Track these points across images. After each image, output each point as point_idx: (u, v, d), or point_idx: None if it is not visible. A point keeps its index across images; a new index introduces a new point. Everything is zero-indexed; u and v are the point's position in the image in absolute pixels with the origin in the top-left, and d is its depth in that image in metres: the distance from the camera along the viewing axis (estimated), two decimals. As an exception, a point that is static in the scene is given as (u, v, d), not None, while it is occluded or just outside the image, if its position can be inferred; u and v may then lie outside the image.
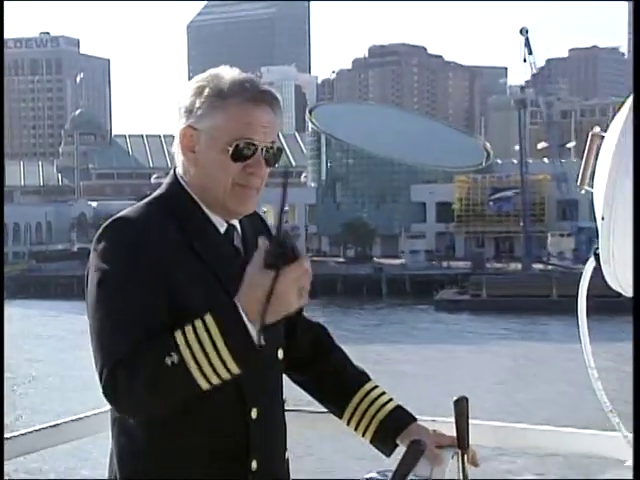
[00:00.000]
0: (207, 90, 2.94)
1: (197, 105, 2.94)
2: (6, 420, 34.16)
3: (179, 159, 3.01)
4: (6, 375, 49.17)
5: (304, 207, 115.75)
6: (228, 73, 2.98)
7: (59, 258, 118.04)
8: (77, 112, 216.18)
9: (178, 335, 2.69)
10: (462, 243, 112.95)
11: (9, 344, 63.89)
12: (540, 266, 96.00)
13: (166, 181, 3.07)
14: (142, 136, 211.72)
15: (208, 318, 2.69)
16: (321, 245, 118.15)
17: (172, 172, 3.06)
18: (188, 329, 2.69)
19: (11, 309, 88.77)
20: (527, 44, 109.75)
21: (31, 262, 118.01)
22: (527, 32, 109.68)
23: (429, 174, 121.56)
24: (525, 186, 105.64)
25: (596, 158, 2.93)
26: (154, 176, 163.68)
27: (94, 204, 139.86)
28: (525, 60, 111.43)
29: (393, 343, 59.84)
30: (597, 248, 2.90)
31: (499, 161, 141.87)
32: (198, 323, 2.69)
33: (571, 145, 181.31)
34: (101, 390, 2.73)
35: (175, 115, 3.05)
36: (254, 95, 2.93)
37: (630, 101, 2.79)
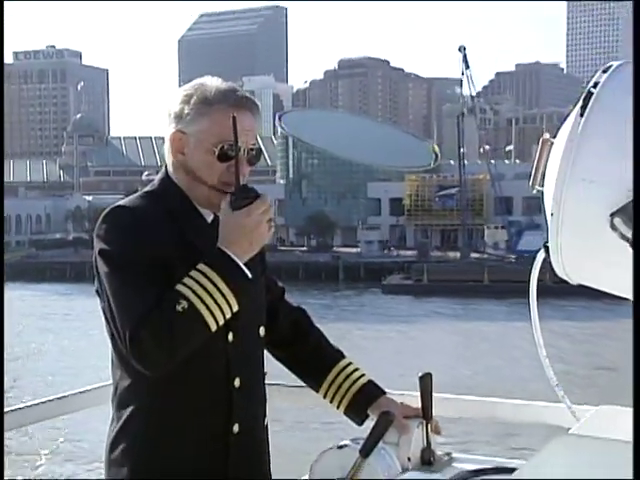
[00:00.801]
0: (194, 98, 2.94)
1: (185, 111, 2.95)
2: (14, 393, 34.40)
3: (170, 160, 3.01)
4: (15, 350, 48.83)
5: (274, 201, 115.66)
6: (212, 82, 2.99)
7: (56, 246, 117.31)
8: (78, 116, 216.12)
9: (180, 287, 2.74)
10: (412, 234, 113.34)
11: (10, 323, 64.83)
12: (477, 255, 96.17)
13: (157, 177, 3.06)
14: (135, 138, 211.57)
15: (202, 266, 2.75)
16: (288, 236, 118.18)
17: (164, 169, 3.05)
18: (187, 280, 2.75)
19: (11, 292, 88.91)
20: (465, 60, 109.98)
21: (30, 250, 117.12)
22: (465, 49, 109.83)
23: (384, 173, 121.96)
24: (465, 185, 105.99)
25: (546, 161, 2.82)
26: (145, 173, 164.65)
27: (89, 198, 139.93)
28: (463, 73, 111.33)
29: (348, 322, 59.83)
30: (547, 241, 2.80)
31: (452, 162, 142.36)
32: (195, 273, 2.75)
33: (510, 148, 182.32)
34: (126, 351, 2.76)
35: (165, 120, 3.05)
36: (236, 102, 2.94)
37: (576, 110, 2.66)
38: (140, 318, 2.73)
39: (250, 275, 2.77)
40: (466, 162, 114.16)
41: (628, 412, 2.54)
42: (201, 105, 2.91)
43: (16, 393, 37.64)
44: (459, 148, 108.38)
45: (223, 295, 2.72)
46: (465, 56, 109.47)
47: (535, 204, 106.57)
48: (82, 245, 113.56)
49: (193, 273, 2.74)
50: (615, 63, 2.73)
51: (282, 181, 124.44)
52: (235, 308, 2.74)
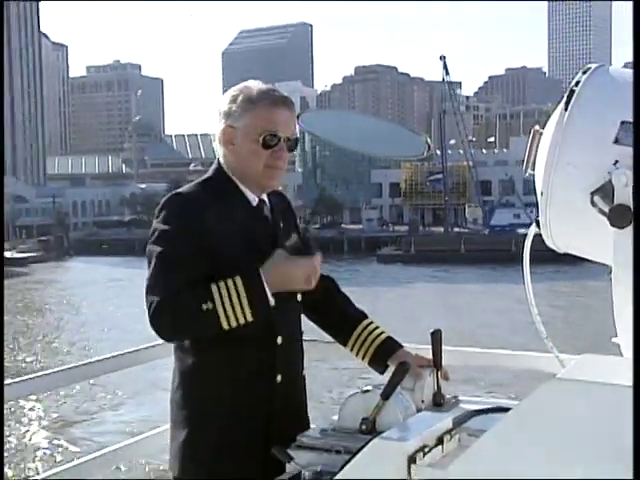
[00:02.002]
0: (240, 98, 2.95)
1: (233, 109, 2.95)
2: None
3: (221, 151, 3.02)
4: (77, 315, 50.22)
5: (293, 187, 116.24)
6: (255, 84, 3.00)
7: (113, 226, 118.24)
8: (136, 118, 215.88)
9: (214, 288, 2.73)
10: (407, 213, 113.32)
11: (75, 290, 65.38)
12: (458, 229, 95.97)
13: (212, 167, 3.05)
14: (184, 135, 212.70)
15: (238, 280, 2.74)
16: (305, 215, 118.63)
17: (216, 161, 3.06)
18: (222, 285, 2.73)
19: (76, 263, 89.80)
20: (445, 67, 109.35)
21: (93, 229, 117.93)
22: (445, 58, 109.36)
23: (384, 162, 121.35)
24: (447, 171, 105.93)
25: (536, 149, 2.89)
26: (192, 165, 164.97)
27: (143, 186, 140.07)
28: (443, 79, 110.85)
29: (349, 285, 60.01)
30: (538, 216, 2.87)
31: (450, 152, 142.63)
32: (230, 282, 2.73)
33: (491, 139, 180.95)
34: (148, 319, 2.76)
35: (215, 118, 3.04)
36: (275, 99, 2.95)
37: (561, 105, 2.76)
38: (163, 299, 2.75)
39: (273, 303, 2.78)
40: (450, 152, 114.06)
41: (607, 359, 2.58)
42: (246, 103, 2.93)
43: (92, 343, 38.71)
44: (442, 141, 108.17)
45: (242, 310, 2.73)
46: (445, 64, 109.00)
47: (508, 186, 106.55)
48: (134, 225, 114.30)
49: (229, 282, 2.74)
50: (593, 65, 2.86)
51: (300, 170, 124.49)
52: (250, 320, 2.75)
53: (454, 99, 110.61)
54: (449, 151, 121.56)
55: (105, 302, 56.01)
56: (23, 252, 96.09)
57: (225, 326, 2.72)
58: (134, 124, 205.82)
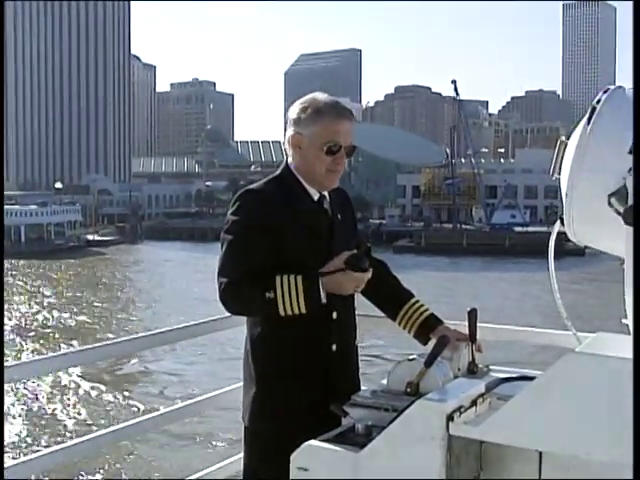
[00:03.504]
0: (309, 109, 2.87)
1: (303, 118, 2.87)
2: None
3: (290, 153, 2.95)
4: (151, 291, 50.09)
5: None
6: (321, 97, 2.91)
7: (180, 216, 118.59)
8: (208, 127, 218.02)
9: (278, 280, 2.70)
10: (427, 211, 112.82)
11: (147, 269, 66.29)
12: (465, 226, 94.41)
13: (281, 167, 2.99)
14: (247, 142, 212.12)
15: (299, 278, 2.71)
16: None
17: (284, 162, 2.99)
18: (285, 279, 2.70)
19: (147, 247, 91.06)
20: (455, 89, 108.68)
21: (163, 219, 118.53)
22: (455, 82, 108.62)
23: (409, 167, 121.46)
24: (460, 176, 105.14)
25: (562, 157, 2.82)
26: (252, 167, 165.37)
27: (209, 183, 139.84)
28: (454, 99, 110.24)
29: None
30: (562, 214, 2.80)
31: (481, 160, 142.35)
32: (292, 278, 2.70)
33: (501, 150, 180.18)
34: (218, 295, 2.77)
35: (286, 124, 2.97)
36: (339, 112, 2.88)
37: (584, 120, 2.75)
38: (229, 282, 2.75)
39: (325, 301, 2.75)
40: (463, 160, 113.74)
41: (618, 337, 2.58)
42: (314, 114, 2.86)
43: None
44: (451, 151, 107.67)
45: (298, 304, 2.71)
46: (455, 87, 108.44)
47: (510, 191, 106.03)
48: (197, 216, 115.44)
49: (291, 278, 2.71)
50: (612, 87, 2.80)
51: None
52: (303, 312, 2.73)
53: (462, 117, 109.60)
54: (462, 159, 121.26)
55: (165, 278, 57.39)
56: (104, 236, 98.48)
57: (282, 313, 2.72)
58: (206, 132, 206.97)
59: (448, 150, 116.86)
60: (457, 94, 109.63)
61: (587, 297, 36.78)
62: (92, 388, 23.71)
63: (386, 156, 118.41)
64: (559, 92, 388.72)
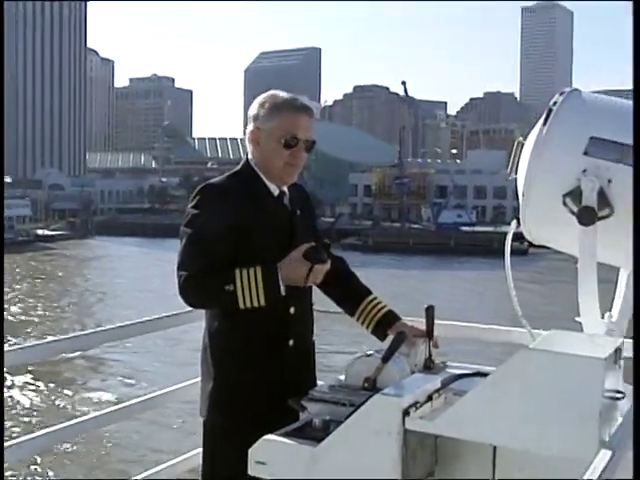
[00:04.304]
0: (267, 104, 2.88)
1: (261, 114, 2.88)
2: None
3: (250, 149, 2.94)
4: (102, 285, 49.35)
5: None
6: (280, 93, 2.92)
7: (132, 212, 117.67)
8: (165, 123, 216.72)
9: (237, 273, 2.68)
10: (377, 210, 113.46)
11: (101, 265, 65.68)
12: (414, 225, 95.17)
13: (241, 163, 2.97)
14: (205, 138, 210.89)
15: (258, 270, 2.69)
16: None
17: (245, 157, 2.97)
18: (244, 272, 2.68)
19: (97, 242, 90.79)
20: (405, 90, 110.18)
21: (115, 214, 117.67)
22: (405, 83, 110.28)
23: (361, 167, 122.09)
24: (410, 176, 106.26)
25: (519, 157, 2.84)
26: (209, 163, 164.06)
27: (164, 179, 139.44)
28: (404, 100, 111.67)
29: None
30: (518, 213, 2.81)
31: (429, 160, 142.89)
32: (251, 271, 2.68)
33: (454, 151, 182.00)
34: (177, 289, 2.73)
35: (246, 122, 2.96)
36: (297, 107, 2.88)
37: (540, 121, 2.75)
38: (189, 275, 2.72)
39: (284, 293, 2.74)
40: (420, 160, 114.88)
41: (570, 335, 2.60)
42: (272, 109, 2.87)
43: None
44: (400, 151, 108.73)
45: (257, 296, 2.70)
46: (405, 89, 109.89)
47: (460, 191, 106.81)
48: (150, 212, 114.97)
49: (250, 270, 2.69)
50: (567, 89, 2.85)
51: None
52: (262, 305, 2.71)
53: (414, 117, 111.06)
54: (418, 160, 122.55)
55: (108, 272, 57.17)
56: (55, 230, 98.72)
57: (241, 306, 2.71)
58: (163, 127, 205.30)
59: (399, 150, 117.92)
60: (407, 94, 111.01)
61: (534, 296, 36.98)
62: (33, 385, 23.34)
63: (339, 155, 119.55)
64: (517, 94, 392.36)
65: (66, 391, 22.92)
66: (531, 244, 3.04)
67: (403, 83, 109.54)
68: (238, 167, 2.98)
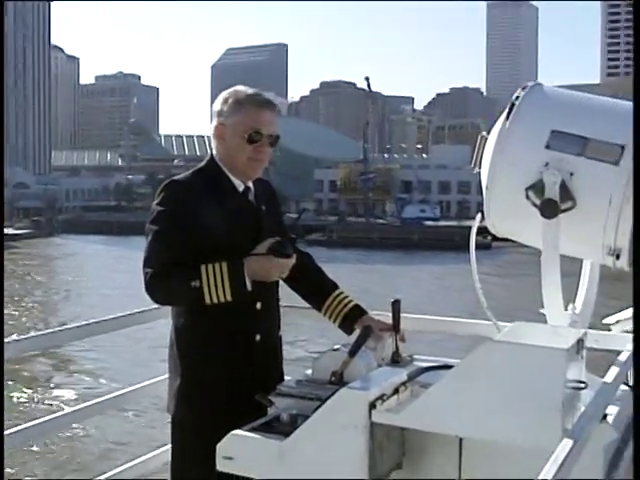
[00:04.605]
0: (230, 99, 2.89)
1: (225, 109, 2.88)
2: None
3: (214, 144, 2.95)
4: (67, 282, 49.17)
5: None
6: (243, 89, 2.93)
7: (97, 210, 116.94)
8: (131, 120, 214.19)
9: (203, 269, 2.68)
10: (343, 205, 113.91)
11: (67, 263, 64.52)
12: (379, 220, 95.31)
13: (206, 159, 2.97)
14: (171, 136, 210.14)
15: (224, 266, 2.69)
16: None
17: (209, 153, 2.97)
18: (210, 267, 2.68)
19: (62, 240, 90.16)
20: (368, 86, 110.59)
21: (80, 212, 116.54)
22: (368, 79, 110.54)
23: (327, 162, 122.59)
24: (375, 171, 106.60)
25: (482, 151, 2.84)
26: (175, 161, 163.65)
27: (130, 176, 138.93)
28: (368, 95, 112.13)
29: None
30: (482, 206, 2.82)
31: (396, 155, 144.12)
32: (217, 267, 2.68)
33: (419, 146, 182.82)
34: (143, 286, 2.73)
35: (210, 117, 2.98)
36: (260, 102, 2.89)
37: (503, 115, 2.78)
38: (154, 272, 2.72)
39: (250, 288, 2.74)
40: (386, 155, 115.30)
41: (535, 326, 2.64)
42: (236, 104, 2.87)
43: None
44: (364, 146, 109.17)
45: (224, 292, 2.70)
46: (369, 84, 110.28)
47: (424, 186, 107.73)
48: (116, 210, 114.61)
49: (216, 266, 2.69)
50: (530, 83, 2.89)
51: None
52: (229, 300, 2.72)
53: (376, 112, 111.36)
54: (384, 155, 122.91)
55: (73, 271, 56.47)
56: (19, 229, 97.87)
57: (208, 302, 2.72)
58: (130, 125, 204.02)
59: (366, 146, 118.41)
60: (370, 90, 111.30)
61: (499, 289, 36.98)
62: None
63: (304, 151, 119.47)
64: (483, 89, 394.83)
65: (27, 390, 22.59)
66: (495, 237, 3.04)
67: (366, 79, 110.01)
68: (203, 163, 2.98)
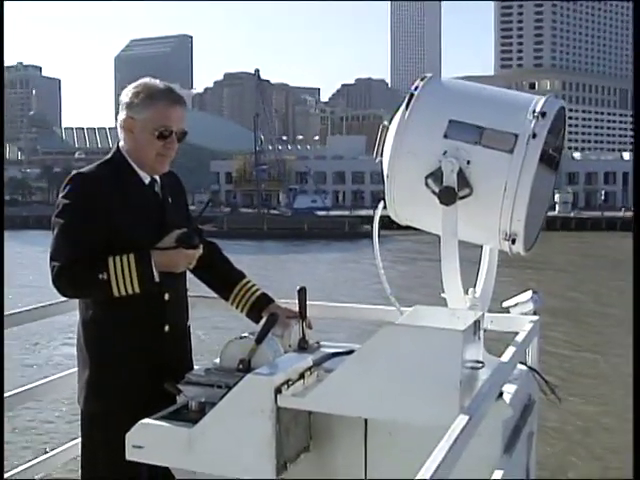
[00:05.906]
0: (141, 94, 2.88)
1: (135, 103, 2.88)
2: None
3: (122, 136, 2.95)
4: None
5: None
6: (155, 83, 2.93)
7: None
8: (31, 112, 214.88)
9: (110, 261, 2.72)
10: (239, 197, 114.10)
11: None
12: (272, 211, 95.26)
13: (112, 150, 2.98)
14: (72, 128, 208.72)
15: (131, 257, 2.74)
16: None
17: (115, 145, 2.98)
18: (117, 259, 2.73)
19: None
20: (258, 77, 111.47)
21: None
22: (258, 70, 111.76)
23: (223, 154, 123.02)
24: (268, 163, 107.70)
25: (384, 140, 2.89)
26: (77, 153, 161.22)
27: (28, 170, 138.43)
28: (257, 87, 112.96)
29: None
30: (383, 194, 2.89)
31: (295, 147, 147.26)
32: (124, 259, 2.73)
33: (317, 137, 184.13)
34: (50, 280, 2.76)
35: (118, 108, 2.97)
36: (172, 98, 2.91)
37: (403, 105, 2.84)
38: (61, 266, 2.75)
39: (158, 279, 2.80)
40: (280, 147, 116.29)
41: (435, 310, 2.75)
42: (147, 99, 2.87)
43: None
44: (255, 138, 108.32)
45: (132, 283, 2.75)
46: (259, 76, 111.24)
47: (320, 177, 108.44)
48: (9, 204, 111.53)
49: (123, 258, 2.74)
50: (429, 74, 2.99)
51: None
52: (137, 292, 2.77)
53: (266, 104, 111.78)
54: (279, 147, 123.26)
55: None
56: None
57: (116, 294, 2.76)
58: (29, 117, 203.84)
59: (262, 137, 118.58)
60: (260, 80, 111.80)
61: (394, 274, 38.38)
62: None
63: (200, 143, 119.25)
64: (388, 80, 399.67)
65: None
66: (397, 225, 3.11)
67: (256, 71, 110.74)
68: (109, 155, 2.98)
